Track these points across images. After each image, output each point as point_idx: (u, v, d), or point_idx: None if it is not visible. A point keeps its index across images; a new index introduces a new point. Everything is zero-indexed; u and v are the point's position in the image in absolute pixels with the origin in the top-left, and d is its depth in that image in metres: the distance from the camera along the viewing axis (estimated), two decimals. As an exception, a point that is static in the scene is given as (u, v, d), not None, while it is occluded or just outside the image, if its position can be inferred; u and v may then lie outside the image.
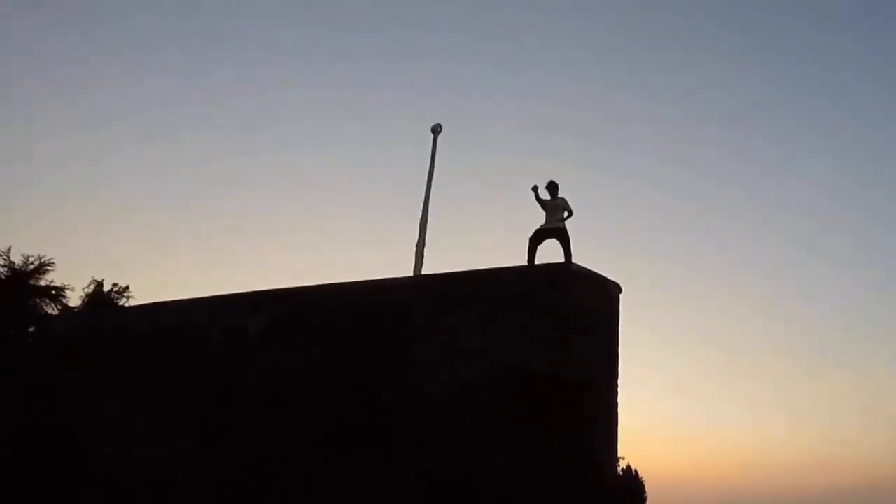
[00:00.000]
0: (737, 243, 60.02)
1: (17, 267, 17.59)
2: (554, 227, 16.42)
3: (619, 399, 15.85)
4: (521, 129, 53.26)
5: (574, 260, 15.83)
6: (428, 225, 17.83)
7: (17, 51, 50.80)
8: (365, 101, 53.77)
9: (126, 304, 18.07)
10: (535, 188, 16.56)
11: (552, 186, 16.80)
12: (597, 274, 15.97)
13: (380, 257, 43.10)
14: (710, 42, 61.27)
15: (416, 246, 17.53)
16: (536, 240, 16.48)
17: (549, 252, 16.38)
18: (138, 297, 18.32)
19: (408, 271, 17.41)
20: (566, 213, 16.59)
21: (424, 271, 17.41)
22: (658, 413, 49.28)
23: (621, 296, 16.32)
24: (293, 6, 54.95)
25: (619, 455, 16.44)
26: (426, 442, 14.92)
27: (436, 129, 18.60)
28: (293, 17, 54.78)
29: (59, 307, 17.76)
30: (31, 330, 18.18)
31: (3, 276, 17.64)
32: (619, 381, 15.96)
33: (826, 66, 62.61)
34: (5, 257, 17.62)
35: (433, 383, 15.30)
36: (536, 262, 16.27)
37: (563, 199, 16.69)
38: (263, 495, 15.82)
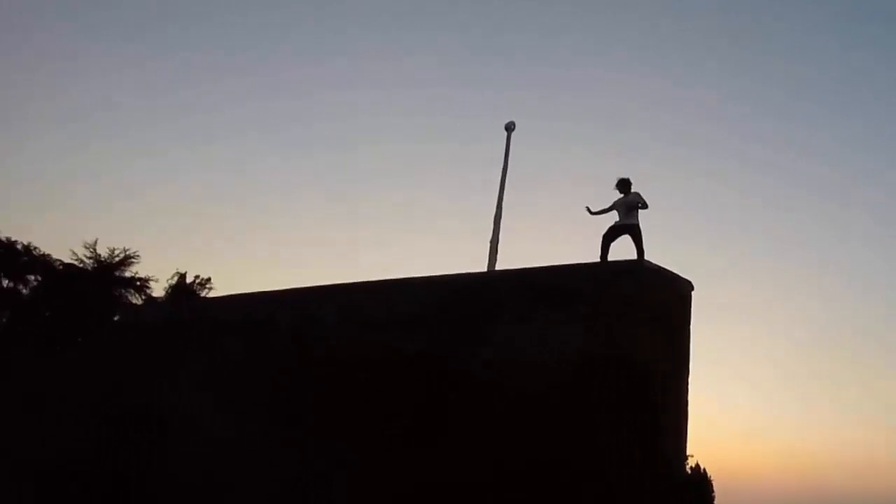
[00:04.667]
0: (815, 242, 59.02)
1: (104, 259, 18.16)
2: (626, 223, 16.51)
3: (690, 396, 15.94)
4: (596, 125, 53.07)
5: (647, 257, 15.94)
6: (502, 220, 18.06)
7: (95, 40, 52.08)
8: (441, 98, 54.07)
9: (207, 295, 18.55)
10: (588, 209, 16.76)
11: (623, 184, 16.85)
12: (669, 271, 16.03)
13: (454, 252, 43.34)
14: (785, 42, 60.35)
15: (490, 241, 17.77)
16: (609, 237, 16.56)
17: (623, 250, 16.52)
18: (220, 288, 18.81)
19: (482, 266, 17.65)
20: (640, 207, 16.66)
21: (498, 267, 17.64)
22: (730, 411, 48.76)
23: (694, 293, 16.41)
24: (366, 5, 55.46)
25: (689, 453, 16.50)
26: (497, 433, 15.06)
27: (509, 127, 18.80)
28: (370, 18, 55.32)
29: (143, 297, 18.31)
30: (115, 318, 18.80)
31: (89, 268, 18.24)
32: (690, 379, 16.12)
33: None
34: (92, 249, 18.20)
35: (505, 377, 15.48)
36: (610, 259, 16.43)
37: (635, 195, 16.68)
38: (337, 481, 16.17)
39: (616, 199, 16.70)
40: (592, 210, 16.70)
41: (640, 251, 16.43)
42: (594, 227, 17.09)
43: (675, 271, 16.17)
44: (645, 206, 16.58)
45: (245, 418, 17.21)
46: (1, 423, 16.83)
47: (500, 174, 18.52)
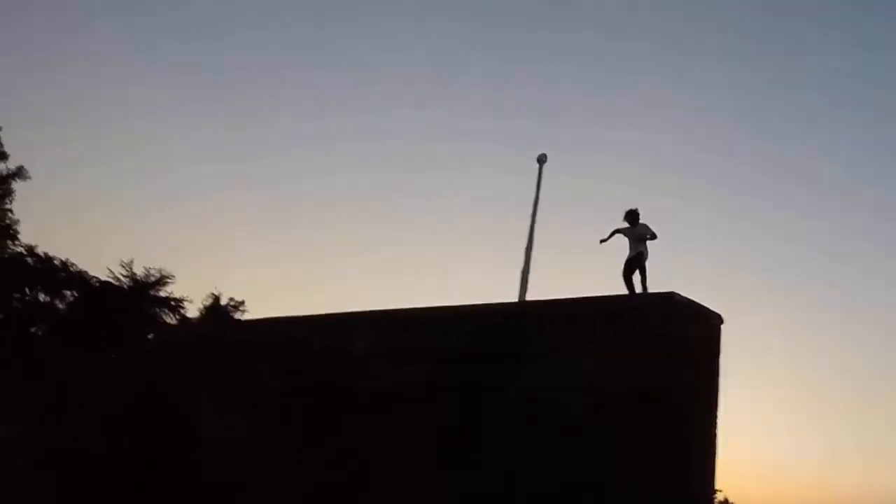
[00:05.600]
0: (848, 278, 58.64)
1: (139, 278, 18.44)
2: (635, 254, 16.86)
3: (719, 431, 16.03)
4: (623, 157, 53.17)
5: (675, 289, 16.03)
6: (533, 251, 18.32)
7: (123, 49, 52.59)
8: (474, 128, 54.31)
9: (241, 317, 18.81)
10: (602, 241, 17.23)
11: (631, 215, 17.19)
12: (699, 304, 16.18)
13: (484, 282, 43.53)
14: (826, 83, 60.12)
15: (522, 272, 18.01)
16: (629, 271, 16.90)
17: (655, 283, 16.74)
18: (253, 311, 19.07)
19: (513, 296, 17.88)
20: (649, 237, 16.99)
21: (528, 297, 17.86)
22: (760, 446, 48.48)
23: (724, 326, 16.55)
24: (399, 34, 55.79)
25: (717, 488, 16.62)
26: (524, 463, 15.28)
27: (541, 159, 19.07)
28: (409, 44, 55.68)
29: (177, 317, 18.58)
30: (149, 337, 19.10)
31: (125, 286, 18.53)
32: (720, 413, 16.23)
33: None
34: (128, 269, 18.49)
35: (534, 407, 15.61)
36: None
37: (642, 226, 17.06)
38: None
39: (622, 227, 17.03)
40: (605, 239, 17.12)
41: (643, 283, 16.81)
42: (623, 255, 17.37)
43: (706, 304, 16.35)
44: (654, 237, 16.92)
45: (273, 439, 17.47)
46: (35, 428, 17.10)
47: (531, 204, 18.78)
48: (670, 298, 15.88)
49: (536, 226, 18.63)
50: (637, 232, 16.98)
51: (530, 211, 18.66)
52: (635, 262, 16.87)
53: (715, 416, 15.90)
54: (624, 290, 16.96)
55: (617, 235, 17.22)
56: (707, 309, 16.21)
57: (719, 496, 16.53)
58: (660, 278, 16.66)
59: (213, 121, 52.94)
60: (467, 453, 15.75)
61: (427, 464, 16.02)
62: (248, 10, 53.70)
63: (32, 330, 19.30)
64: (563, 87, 55.34)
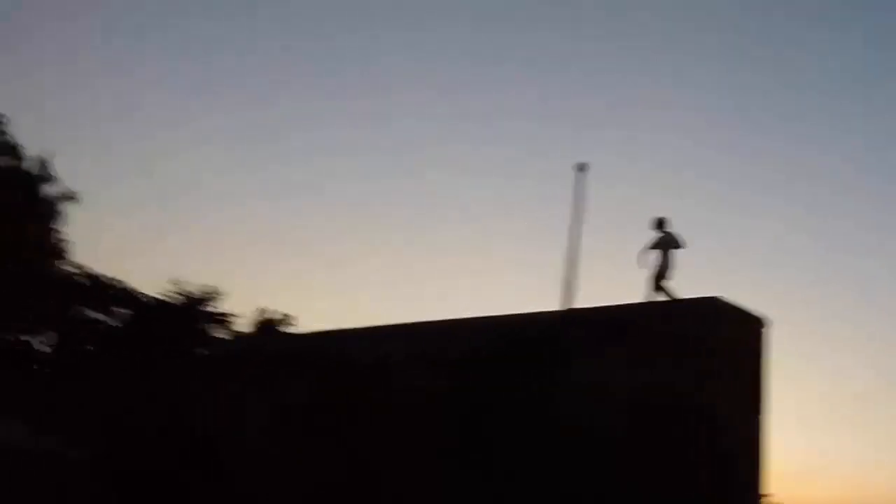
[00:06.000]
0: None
1: (188, 295, 18.80)
2: (661, 262, 17.06)
3: (768, 433, 16.15)
4: (666, 165, 53.00)
5: (718, 293, 16.08)
6: (576, 260, 18.34)
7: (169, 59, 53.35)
8: (515, 136, 54.51)
9: (287, 331, 19.10)
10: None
11: (660, 223, 17.31)
12: (743, 308, 16.20)
13: (527, 292, 43.57)
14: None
15: (565, 279, 18.05)
16: (659, 279, 16.99)
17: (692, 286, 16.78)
18: (298, 324, 19.37)
19: (555, 306, 17.93)
20: (676, 246, 17.08)
21: (571, 306, 17.90)
22: (811, 449, 47.82)
23: (768, 329, 16.54)
24: (438, 38, 56.08)
25: (767, 492, 16.55)
26: (567, 471, 15.34)
27: (582, 167, 19.10)
28: (444, 50, 55.96)
29: (226, 332, 18.93)
30: (198, 351, 19.48)
31: (175, 303, 18.91)
32: (768, 416, 16.24)
33: None
34: (178, 285, 18.86)
35: (577, 414, 15.71)
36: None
37: (667, 234, 17.19)
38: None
39: (654, 237, 17.15)
40: (640, 263, 17.26)
41: (665, 293, 16.85)
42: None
43: (749, 307, 16.35)
44: (679, 245, 17.03)
45: (313, 449, 17.70)
46: (87, 442, 17.45)
47: (572, 213, 18.81)
48: (714, 302, 15.92)
49: (578, 234, 18.58)
50: (666, 239, 17.11)
51: (570, 220, 18.64)
52: (662, 271, 16.98)
53: (761, 421, 15.90)
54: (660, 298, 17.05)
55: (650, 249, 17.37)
56: (751, 312, 16.23)
57: (772, 500, 16.40)
58: (703, 282, 16.71)
59: (254, 133, 53.50)
60: (508, 461, 15.86)
61: (467, 472, 16.14)
62: (289, 19, 54.23)
63: (85, 346, 19.77)
64: (603, 92, 55.26)
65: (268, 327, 18.91)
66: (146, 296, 19.12)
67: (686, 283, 17.03)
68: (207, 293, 18.70)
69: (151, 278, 19.84)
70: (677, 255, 17.17)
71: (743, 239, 49.30)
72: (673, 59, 54.13)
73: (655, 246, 17.26)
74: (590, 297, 17.65)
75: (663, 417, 15.01)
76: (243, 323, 19.16)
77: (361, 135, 53.07)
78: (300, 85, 53.74)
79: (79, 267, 19.65)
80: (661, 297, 16.96)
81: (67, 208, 30.45)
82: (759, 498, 16.34)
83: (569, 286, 17.80)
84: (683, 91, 54.07)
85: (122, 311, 19.20)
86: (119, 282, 19.22)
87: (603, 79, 54.47)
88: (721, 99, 54.84)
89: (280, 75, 54.02)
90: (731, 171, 54.19)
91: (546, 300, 18.15)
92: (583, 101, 52.95)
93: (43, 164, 30.22)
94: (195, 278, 18.90)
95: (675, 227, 17.47)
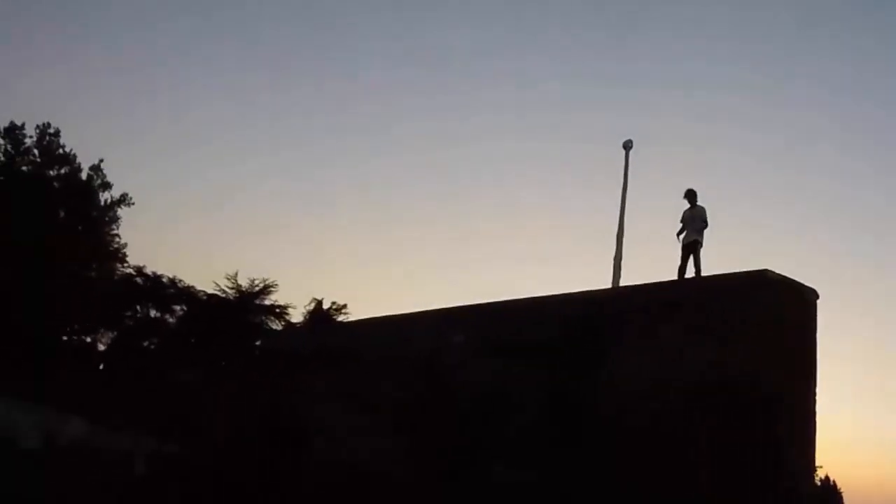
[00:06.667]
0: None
1: (244, 289, 19.08)
2: (690, 241, 17.08)
3: (818, 407, 15.93)
4: (711, 142, 52.85)
5: (768, 266, 15.97)
6: (624, 238, 18.45)
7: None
8: (561, 121, 54.81)
9: (343, 320, 19.32)
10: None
11: (690, 194, 17.28)
12: (793, 280, 16.09)
13: (577, 271, 43.87)
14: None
15: (614, 259, 18.16)
16: (684, 256, 16.99)
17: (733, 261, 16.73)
18: (355, 313, 19.59)
19: (606, 285, 18.05)
20: (702, 225, 17.06)
21: (622, 284, 18.01)
22: (861, 422, 47.48)
23: (819, 301, 16.43)
24: (484, 23, 56.42)
25: (818, 465, 16.48)
26: (620, 450, 15.44)
27: (627, 145, 19.21)
28: (491, 37, 56.34)
29: (282, 324, 19.19)
30: (256, 343, 19.78)
31: (231, 298, 19.20)
32: (818, 389, 16.11)
33: None
34: (233, 281, 19.14)
35: (630, 392, 15.83)
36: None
37: (700, 209, 17.15)
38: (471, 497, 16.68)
39: (684, 209, 17.14)
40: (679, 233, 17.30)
41: (698, 269, 16.81)
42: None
43: (799, 279, 16.25)
44: (705, 224, 17.03)
45: (377, 436, 17.92)
46: (154, 438, 17.80)
47: (620, 192, 18.94)
48: (764, 276, 15.83)
49: (627, 213, 18.71)
50: (692, 213, 17.11)
51: (619, 198, 18.77)
52: (690, 249, 16.97)
53: (813, 394, 15.78)
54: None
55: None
56: (801, 285, 16.11)
57: (821, 472, 16.33)
58: (749, 256, 16.65)
59: (305, 130, 54.21)
60: (559, 447, 15.98)
61: (519, 458, 16.26)
62: (348, 17, 54.81)
63: (145, 344, 20.19)
64: (654, 78, 55.23)
65: (324, 317, 19.12)
66: (203, 293, 19.41)
67: (732, 257, 17.03)
68: (263, 286, 18.93)
69: (207, 275, 20.18)
70: (705, 229, 17.16)
71: (789, 212, 48.96)
72: (728, 39, 53.81)
73: (685, 219, 17.25)
74: (638, 273, 17.72)
75: (714, 393, 14.96)
76: (299, 314, 19.37)
77: (419, 129, 53.59)
78: (361, 82, 54.29)
79: (136, 268, 20.03)
80: (692, 271, 16.97)
81: (122, 212, 31.44)
82: (815, 471, 16.29)
83: (618, 264, 17.92)
84: (733, 69, 53.82)
85: (181, 308, 19.52)
86: (177, 280, 19.56)
87: (648, 60, 54.50)
88: (781, 78, 54.44)
89: (343, 73, 54.58)
90: (776, 145, 53.92)
91: (595, 279, 18.31)
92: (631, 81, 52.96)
93: (97, 171, 31.16)
94: (249, 273, 19.15)
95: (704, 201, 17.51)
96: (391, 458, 17.36)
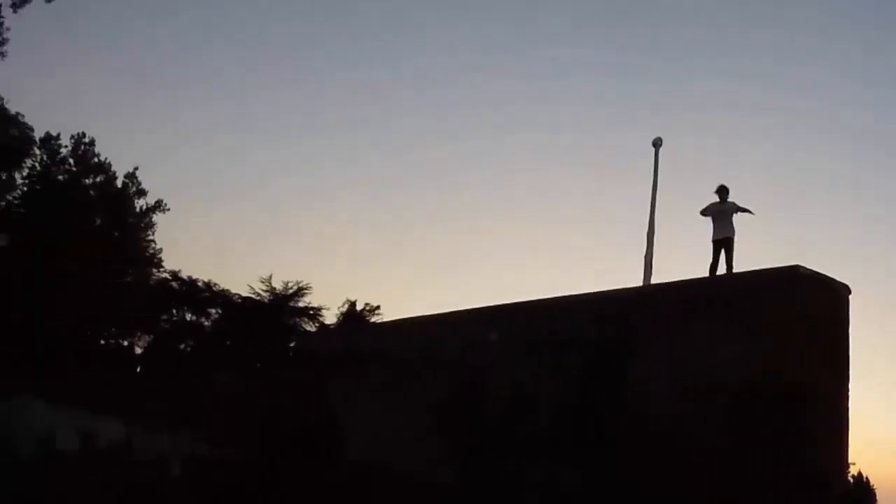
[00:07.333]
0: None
1: (278, 292, 19.29)
2: (721, 237, 16.93)
3: (851, 404, 15.87)
4: (742, 139, 52.59)
5: (799, 262, 15.87)
6: (655, 236, 18.48)
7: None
8: (591, 117, 54.85)
9: (377, 321, 19.48)
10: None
11: (721, 190, 17.18)
12: (825, 276, 16.03)
13: (608, 270, 43.87)
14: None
15: (644, 257, 18.18)
16: (715, 253, 16.93)
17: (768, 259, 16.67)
18: (388, 314, 19.75)
19: (637, 283, 18.08)
20: (740, 211, 16.96)
21: (653, 282, 18.03)
22: (890, 417, 47.03)
23: (851, 297, 16.37)
24: (510, 25, 56.51)
25: (850, 461, 16.38)
26: (651, 448, 15.45)
27: (657, 143, 19.22)
28: (518, 40, 56.46)
29: (316, 325, 19.39)
30: (291, 345, 20.00)
31: (265, 300, 19.42)
32: (851, 386, 16.01)
33: None
34: (267, 283, 19.36)
35: (660, 389, 15.84)
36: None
37: (731, 204, 17.06)
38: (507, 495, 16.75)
39: (712, 202, 17.03)
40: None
41: (730, 265, 16.72)
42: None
43: (831, 275, 16.20)
44: (745, 211, 16.92)
45: (412, 437, 18.06)
46: (191, 439, 18.01)
47: (650, 190, 18.96)
48: (796, 272, 15.79)
49: (658, 210, 18.73)
50: (723, 208, 17.02)
51: (649, 196, 18.79)
52: (722, 245, 16.90)
53: (846, 390, 15.72)
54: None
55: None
56: (833, 280, 16.05)
57: (853, 469, 16.21)
58: (780, 251, 16.61)
59: (333, 131, 54.44)
60: (593, 447, 16.04)
61: (551, 457, 16.34)
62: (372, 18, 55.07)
63: (181, 347, 20.47)
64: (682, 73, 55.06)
65: (357, 318, 19.28)
66: (238, 296, 19.63)
67: (764, 253, 16.95)
68: (297, 289, 19.13)
69: (242, 278, 20.41)
70: (735, 224, 17.11)
71: (821, 208, 48.61)
72: (763, 32, 53.52)
73: (713, 213, 17.16)
74: (669, 271, 17.68)
75: (746, 390, 14.95)
76: (332, 315, 19.55)
77: (441, 126, 53.72)
78: (383, 79, 54.50)
79: (172, 273, 20.32)
80: (722, 268, 16.93)
81: (157, 218, 31.90)
82: (847, 469, 16.19)
83: (649, 262, 17.94)
84: (761, 65, 53.54)
85: (216, 311, 19.75)
86: (212, 284, 19.80)
87: (678, 59, 54.35)
88: (806, 74, 54.09)
89: (363, 70, 54.81)
90: (809, 140, 53.57)
91: (626, 276, 18.33)
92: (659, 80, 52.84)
93: (132, 178, 31.61)
94: (283, 275, 19.36)
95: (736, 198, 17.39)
96: (425, 457, 17.49)
